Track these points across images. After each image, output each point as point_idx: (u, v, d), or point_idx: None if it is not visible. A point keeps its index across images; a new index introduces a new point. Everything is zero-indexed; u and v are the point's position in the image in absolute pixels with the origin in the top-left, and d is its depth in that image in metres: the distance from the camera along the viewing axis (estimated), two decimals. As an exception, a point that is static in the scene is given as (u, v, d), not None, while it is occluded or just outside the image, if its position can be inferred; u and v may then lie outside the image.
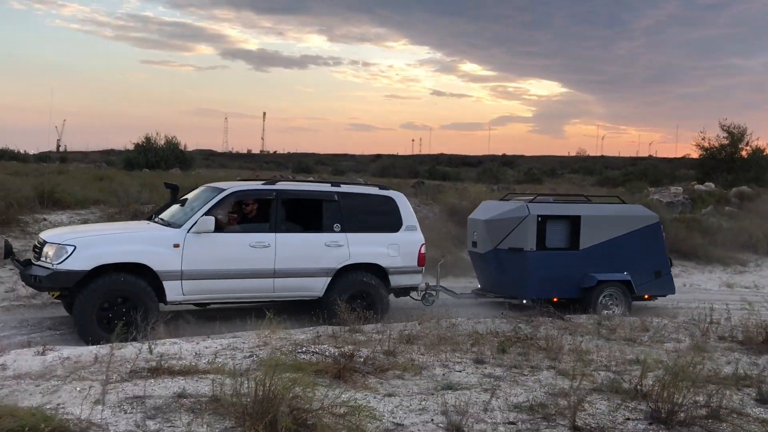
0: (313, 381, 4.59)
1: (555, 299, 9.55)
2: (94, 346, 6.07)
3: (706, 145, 35.59)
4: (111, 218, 12.85)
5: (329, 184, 9.17)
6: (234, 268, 7.98)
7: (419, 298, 9.56)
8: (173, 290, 7.66)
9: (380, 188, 9.55)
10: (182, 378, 5.06)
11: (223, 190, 8.31)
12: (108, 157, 57.70)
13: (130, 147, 42.14)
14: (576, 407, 4.63)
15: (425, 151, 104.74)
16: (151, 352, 5.75)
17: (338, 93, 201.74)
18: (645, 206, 11.84)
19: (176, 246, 7.68)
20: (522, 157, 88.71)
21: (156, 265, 7.53)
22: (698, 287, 13.90)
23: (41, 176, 18.16)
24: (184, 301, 7.90)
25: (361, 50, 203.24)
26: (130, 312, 7.29)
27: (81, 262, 7.23)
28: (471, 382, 5.45)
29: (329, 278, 8.51)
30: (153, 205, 13.32)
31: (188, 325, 7.70)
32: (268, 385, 4.23)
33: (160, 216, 8.61)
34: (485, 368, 5.90)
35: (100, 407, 4.35)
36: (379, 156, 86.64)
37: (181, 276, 7.68)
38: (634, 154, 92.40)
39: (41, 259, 7.45)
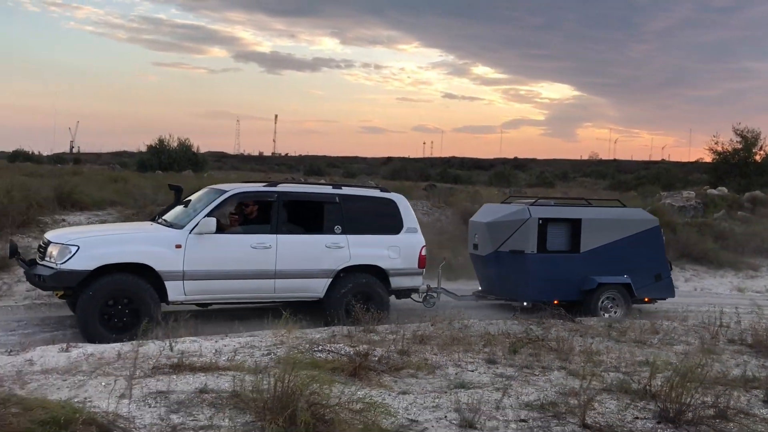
0: (330, 378, 4.75)
1: (556, 302, 9.64)
2: (117, 344, 6.25)
3: (719, 149, 35.57)
4: (128, 219, 13.06)
5: (330, 186, 9.29)
6: (235, 269, 8.07)
7: (420, 299, 9.63)
8: (175, 290, 7.76)
9: (381, 190, 9.61)
10: (203, 374, 5.22)
11: (225, 191, 8.42)
12: (121, 158, 58.23)
13: (143, 149, 42.55)
14: (586, 406, 4.75)
15: (437, 154, 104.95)
16: (171, 349, 5.92)
17: (350, 96, 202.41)
18: (646, 210, 11.91)
19: (178, 247, 7.78)
20: (534, 160, 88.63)
21: (158, 266, 7.63)
22: (709, 291, 13.95)
23: (57, 177, 18.49)
24: (186, 301, 7.97)
25: (373, 53, 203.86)
26: (132, 311, 7.44)
27: (84, 262, 7.35)
28: (483, 381, 5.58)
29: (330, 279, 8.59)
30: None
31: (207, 324, 7.85)
32: (286, 381, 4.38)
33: (163, 217, 8.74)
34: (497, 368, 6.02)
35: (125, 401, 4.52)
36: (390, 159, 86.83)
37: (182, 276, 7.77)
38: (647, 158, 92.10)
39: (45, 258, 7.57)
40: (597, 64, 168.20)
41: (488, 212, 10.64)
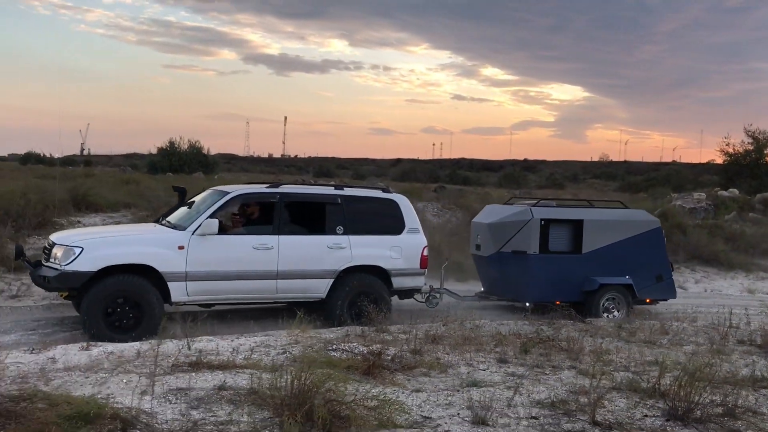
0: (345, 376, 4.87)
1: (557, 302, 9.71)
2: (136, 342, 6.39)
3: (731, 150, 35.42)
4: (142, 221, 13.23)
5: (332, 187, 9.34)
6: (237, 270, 8.12)
7: (423, 300, 9.70)
8: (178, 291, 7.81)
9: (383, 191, 9.66)
10: (221, 372, 5.35)
11: (228, 193, 8.48)
12: (131, 160, 58.68)
13: (154, 151, 42.84)
14: (596, 404, 4.84)
15: (446, 156, 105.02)
16: (189, 348, 6.05)
17: (359, 97, 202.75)
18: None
19: (181, 248, 7.85)
20: (544, 162, 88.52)
21: (161, 267, 7.70)
22: (719, 292, 13.97)
23: (70, 180, 18.73)
24: (189, 302, 8.01)
25: (381, 54, 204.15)
26: (135, 312, 7.52)
27: (88, 263, 7.42)
28: (495, 380, 5.69)
29: (332, 280, 8.63)
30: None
31: (222, 324, 7.99)
32: (303, 378, 4.51)
33: (167, 219, 8.83)
34: (508, 367, 6.12)
35: (146, 397, 4.65)
36: (399, 160, 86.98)
37: (185, 277, 7.83)
38: (657, 160, 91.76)
39: (50, 260, 7.65)
40: (607, 65, 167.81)
41: (491, 213, 10.73)
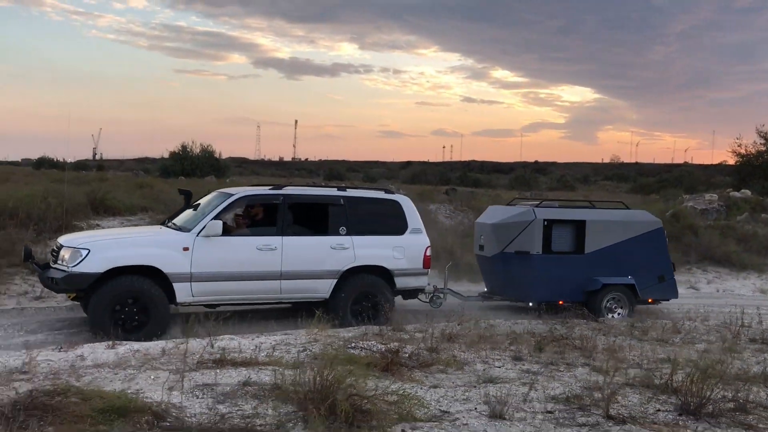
0: (365, 372, 5.02)
1: (560, 302, 9.80)
2: (161, 341, 6.58)
3: (743, 151, 35.28)
4: (159, 224, 13.43)
5: (335, 189, 9.48)
6: (241, 271, 8.24)
7: (427, 300, 9.81)
8: (183, 292, 7.96)
9: (386, 192, 9.78)
10: (244, 369, 5.52)
11: (232, 195, 8.62)
12: (143, 165, 59.15)
13: (166, 155, 43.22)
14: (609, 399, 4.97)
15: (456, 158, 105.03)
16: (212, 346, 6.23)
17: (369, 100, 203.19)
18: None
19: (186, 249, 7.98)
20: (554, 164, 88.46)
21: (166, 268, 7.84)
22: (731, 293, 14.02)
23: (85, 184, 19.01)
24: (194, 303, 8.16)
25: (391, 58, 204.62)
26: (141, 312, 7.69)
27: (95, 264, 7.57)
28: (510, 376, 5.82)
29: (335, 280, 8.74)
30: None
31: (242, 324, 8.15)
32: (325, 374, 4.67)
33: (172, 221, 8.95)
34: (523, 365, 6.26)
35: (174, 392, 4.83)
36: (409, 163, 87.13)
37: (190, 278, 7.96)
38: (669, 161, 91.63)
39: (58, 262, 7.81)
40: (617, 66, 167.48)
41: (494, 214, 10.86)
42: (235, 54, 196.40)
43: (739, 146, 35.49)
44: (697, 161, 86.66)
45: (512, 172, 63.46)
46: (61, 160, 54.55)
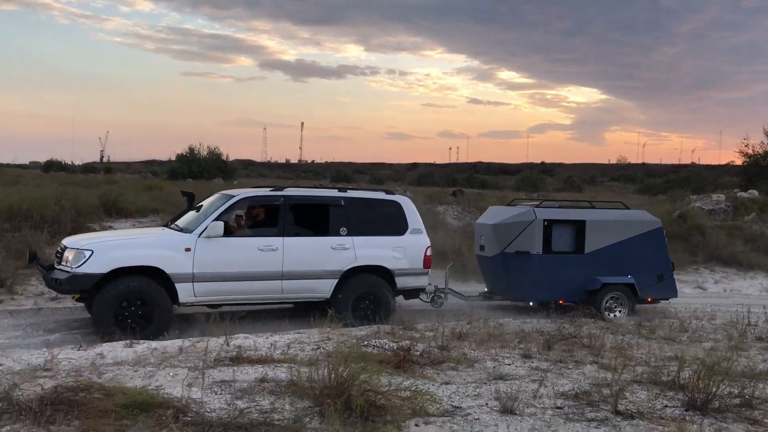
0: (379, 369, 5.15)
1: (561, 302, 9.91)
2: (178, 340, 6.72)
3: (750, 151, 35.30)
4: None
5: (336, 190, 9.59)
6: (243, 271, 8.31)
7: (428, 300, 9.90)
8: (185, 292, 8.03)
9: (386, 193, 9.84)
10: (261, 366, 5.67)
11: (233, 196, 8.71)
12: (151, 167, 59.48)
13: (173, 157, 43.49)
14: (618, 395, 5.09)
15: (462, 160, 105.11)
16: (228, 344, 6.37)
17: (375, 102, 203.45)
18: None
19: (188, 250, 8.06)
20: (561, 165, 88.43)
21: (168, 268, 7.92)
22: (739, 292, 14.09)
23: (94, 187, 19.23)
24: (196, 303, 8.24)
25: (397, 59, 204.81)
26: (145, 312, 7.77)
27: (98, 265, 7.65)
28: (520, 373, 5.95)
29: (336, 280, 8.81)
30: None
31: (256, 323, 8.28)
32: (340, 371, 4.80)
33: (175, 222, 9.04)
34: (532, 362, 6.38)
35: (193, 389, 4.97)
36: (416, 164, 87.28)
37: (192, 278, 8.04)
38: (676, 162, 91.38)
39: (62, 263, 7.90)
40: (624, 67, 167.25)
41: (494, 214, 10.97)
42: (242, 56, 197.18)
43: (746, 146, 35.59)
44: (704, 162, 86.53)
45: (519, 173, 63.51)
46: (69, 162, 55.01)
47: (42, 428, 4.11)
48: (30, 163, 73.06)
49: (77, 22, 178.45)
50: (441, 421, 4.63)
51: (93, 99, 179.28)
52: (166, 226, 9.28)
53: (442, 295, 10.04)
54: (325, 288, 8.83)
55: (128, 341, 6.61)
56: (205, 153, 42.22)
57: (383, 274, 9.12)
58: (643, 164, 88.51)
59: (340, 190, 9.56)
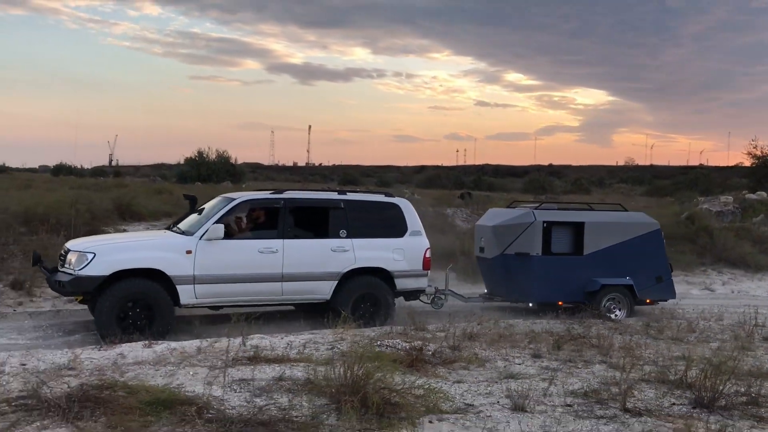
0: (393, 367, 5.30)
1: (560, 303, 10.00)
2: (196, 340, 6.89)
3: (758, 153, 35.23)
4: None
5: (336, 192, 9.70)
6: (243, 273, 8.40)
7: (429, 301, 10.00)
8: (186, 294, 8.13)
9: (386, 195, 9.91)
10: (277, 365, 5.83)
11: (234, 199, 8.85)
12: (160, 171, 59.82)
13: (181, 161, 43.66)
14: (626, 393, 5.22)
15: (470, 162, 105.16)
16: (244, 344, 6.53)
17: (382, 105, 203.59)
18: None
19: (189, 252, 8.16)
20: (569, 167, 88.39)
21: (169, 270, 8.02)
22: (746, 294, 14.15)
23: (104, 190, 19.45)
24: (197, 304, 8.34)
25: (404, 62, 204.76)
26: (147, 314, 7.89)
27: (100, 267, 7.75)
28: (530, 372, 6.08)
29: (336, 282, 8.90)
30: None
31: (270, 324, 8.43)
32: (355, 369, 4.95)
33: (177, 225, 9.12)
34: (542, 362, 6.51)
35: (213, 387, 5.14)
36: (423, 167, 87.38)
37: (193, 280, 8.14)
38: (684, 163, 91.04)
39: (65, 266, 8.03)
40: (632, 69, 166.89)
41: (494, 216, 11.07)
42: (249, 60, 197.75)
43: (754, 148, 35.47)
44: (712, 163, 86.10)
45: (526, 175, 63.45)
46: (79, 166, 55.38)
47: (70, 424, 4.28)
48: (39, 167, 73.60)
49: (86, 26, 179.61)
50: (454, 418, 4.78)
51: (101, 103, 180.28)
52: (169, 228, 9.40)
53: (443, 296, 10.14)
54: (325, 290, 8.93)
55: (147, 341, 6.79)
56: (214, 156, 42.45)
57: (383, 275, 9.22)
58: (651, 166, 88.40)
59: (340, 192, 9.67)
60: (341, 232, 9.08)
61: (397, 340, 6.80)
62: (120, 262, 7.90)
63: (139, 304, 7.89)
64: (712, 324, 8.92)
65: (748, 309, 9.54)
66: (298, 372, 5.61)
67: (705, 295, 13.75)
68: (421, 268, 9.47)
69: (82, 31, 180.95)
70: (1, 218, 12.55)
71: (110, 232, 13.06)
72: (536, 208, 10.50)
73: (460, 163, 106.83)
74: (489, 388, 5.51)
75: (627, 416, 4.96)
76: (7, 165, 57.48)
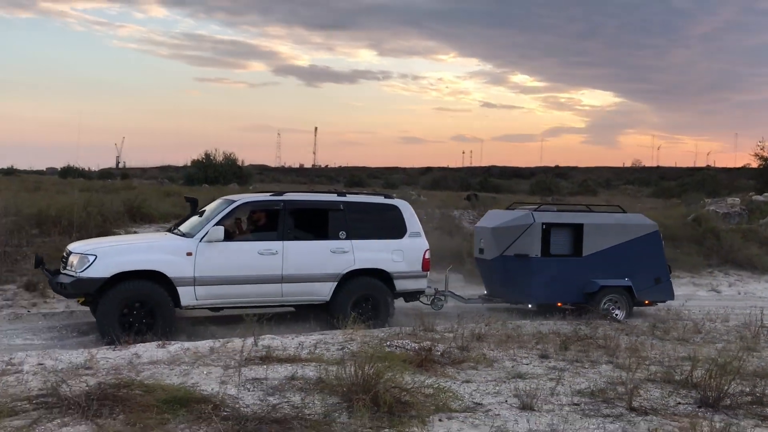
0: (403, 366, 5.41)
1: (559, 304, 10.07)
2: (209, 340, 7.02)
3: (766, 154, 35.16)
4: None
5: (335, 194, 9.78)
6: (243, 275, 8.47)
7: (428, 302, 10.08)
8: (187, 295, 8.19)
9: (385, 197, 10.00)
10: (289, 365, 5.95)
11: (234, 201, 8.91)
12: (167, 173, 60.05)
13: (188, 163, 43.86)
14: (632, 392, 5.31)
15: (476, 164, 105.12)
16: (256, 344, 6.65)
17: (388, 106, 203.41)
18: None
19: (189, 254, 8.23)
20: (576, 168, 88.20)
21: (170, 272, 8.09)
22: (753, 295, 14.19)
23: (111, 192, 19.62)
24: (198, 306, 8.42)
25: (410, 63, 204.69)
26: (148, 315, 7.97)
27: (101, 269, 7.83)
28: (538, 372, 6.18)
29: (335, 283, 8.96)
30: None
31: (281, 325, 8.54)
32: (366, 369, 5.06)
33: (178, 227, 9.20)
34: (550, 362, 6.60)
35: (226, 386, 5.26)
36: (429, 169, 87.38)
37: (193, 282, 8.20)
38: (691, 165, 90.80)
39: (67, 268, 8.10)
40: (639, 70, 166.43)
41: (493, 218, 11.15)
42: (255, 62, 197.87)
43: (761, 149, 35.40)
44: (719, 164, 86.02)
45: (533, 177, 63.42)
46: (86, 168, 55.60)
47: (90, 421, 4.40)
48: (47, 169, 73.91)
49: (92, 29, 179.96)
50: (463, 416, 4.88)
51: (107, 105, 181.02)
52: (170, 231, 9.48)
53: (442, 297, 10.21)
54: (324, 291, 8.99)
55: (161, 342, 6.92)
56: (221, 158, 42.66)
57: (382, 277, 9.27)
58: (658, 167, 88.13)
59: (339, 194, 9.74)
60: (341, 233, 9.15)
61: (407, 341, 6.91)
62: (121, 264, 7.98)
63: (140, 306, 7.96)
64: (718, 325, 9.00)
65: (754, 310, 9.60)
66: (310, 371, 5.72)
67: (711, 296, 13.80)
68: (420, 269, 9.53)
69: (88, 34, 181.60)
70: (14, 220, 12.72)
71: (121, 234, 13.21)
72: (535, 210, 10.59)
73: (466, 164, 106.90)
74: (497, 388, 5.61)
75: (633, 415, 5.05)
76: (14, 167, 57.81)
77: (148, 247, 8.61)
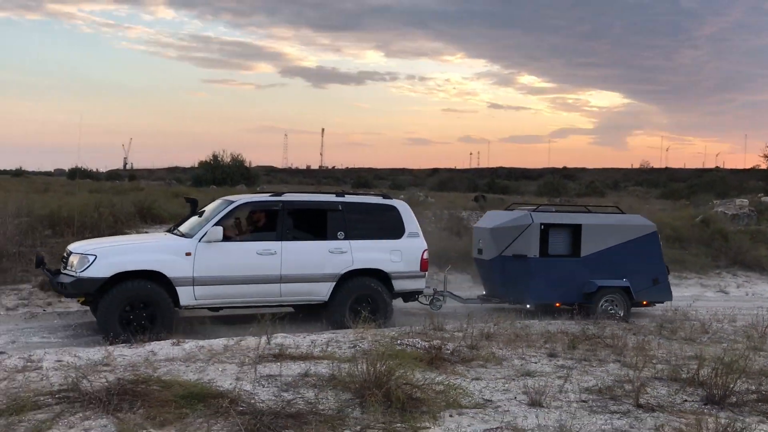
0: (415, 364, 5.53)
1: (558, 304, 10.14)
2: (223, 338, 7.15)
3: (774, 156, 35.12)
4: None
5: (334, 195, 9.80)
6: (242, 275, 8.52)
7: (427, 303, 10.14)
8: (186, 295, 8.26)
9: (383, 197, 10.05)
10: (302, 362, 6.07)
11: (233, 202, 8.98)
12: (174, 174, 60.36)
13: (195, 164, 44.11)
14: (639, 390, 5.41)
15: (483, 165, 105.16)
16: (269, 342, 6.78)
17: (395, 108, 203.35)
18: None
19: (188, 254, 8.30)
20: (583, 169, 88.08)
21: (169, 272, 8.15)
22: (761, 296, 14.22)
23: (120, 193, 19.81)
24: (197, 306, 8.49)
25: (417, 65, 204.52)
26: (148, 315, 8.05)
27: (101, 269, 7.91)
28: (546, 370, 6.28)
29: (333, 283, 9.00)
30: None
31: (293, 324, 8.67)
32: (378, 366, 5.18)
33: (178, 228, 9.27)
34: (558, 360, 6.70)
35: (241, 382, 5.39)
36: (436, 170, 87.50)
37: (192, 282, 8.27)
38: (700, 166, 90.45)
39: (67, 267, 8.18)
40: (646, 70, 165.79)
41: (492, 218, 11.21)
42: (262, 63, 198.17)
43: (770, 151, 35.34)
44: (728, 166, 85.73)
45: (540, 178, 63.45)
46: (94, 170, 55.91)
47: (111, 416, 4.54)
48: (55, 170, 74.35)
49: (100, 30, 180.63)
50: (473, 412, 4.99)
51: (115, 106, 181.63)
52: (170, 231, 9.57)
53: (441, 297, 10.27)
54: (322, 291, 9.04)
55: (176, 339, 7.05)
56: (228, 160, 42.89)
57: (381, 277, 9.30)
58: (667, 169, 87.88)
59: (338, 195, 9.77)
60: (339, 233, 9.20)
61: (417, 339, 7.02)
62: (121, 264, 8.06)
63: (140, 306, 8.04)
64: (726, 325, 9.06)
65: (761, 311, 9.66)
66: (323, 369, 5.84)
67: (719, 297, 13.85)
68: (418, 269, 9.58)
69: (96, 35, 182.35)
70: (26, 221, 12.90)
71: (133, 234, 13.38)
72: (534, 211, 10.66)
73: (474, 165, 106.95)
74: (506, 385, 5.72)
75: (640, 411, 5.15)
76: (23, 168, 58.24)
77: (148, 248, 8.71)
